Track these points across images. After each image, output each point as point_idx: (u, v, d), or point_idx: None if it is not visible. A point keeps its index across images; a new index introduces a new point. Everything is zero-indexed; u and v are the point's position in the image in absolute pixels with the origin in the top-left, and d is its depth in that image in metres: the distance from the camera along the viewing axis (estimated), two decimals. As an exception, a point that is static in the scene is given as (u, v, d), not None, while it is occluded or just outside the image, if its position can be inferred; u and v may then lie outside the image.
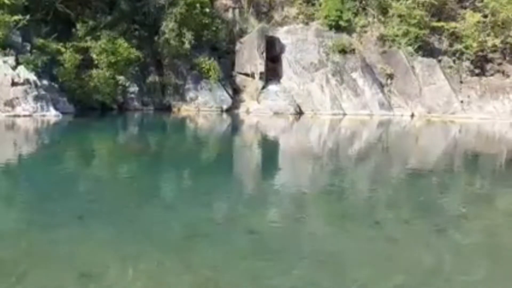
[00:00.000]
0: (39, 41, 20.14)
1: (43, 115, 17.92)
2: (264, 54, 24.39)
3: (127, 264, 4.87)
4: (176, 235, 5.86)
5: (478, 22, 25.01)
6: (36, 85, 18.31)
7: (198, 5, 22.97)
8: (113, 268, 4.77)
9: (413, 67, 25.06)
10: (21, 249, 5.14)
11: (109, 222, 6.20)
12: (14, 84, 17.91)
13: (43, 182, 8.49)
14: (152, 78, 23.19)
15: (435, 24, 25.51)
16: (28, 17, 19.45)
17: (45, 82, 19.11)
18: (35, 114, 17.80)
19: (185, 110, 23.09)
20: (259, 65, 24.32)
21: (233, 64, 24.95)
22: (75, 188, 8.34)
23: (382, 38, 25.66)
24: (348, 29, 25.72)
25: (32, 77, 18.38)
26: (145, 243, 5.46)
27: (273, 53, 25.19)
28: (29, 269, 4.63)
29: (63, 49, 20.24)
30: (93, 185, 8.58)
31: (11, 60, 18.58)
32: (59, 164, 10.59)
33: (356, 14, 26.05)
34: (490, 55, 25.97)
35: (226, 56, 25.10)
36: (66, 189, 8.08)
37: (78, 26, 21.61)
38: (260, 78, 24.39)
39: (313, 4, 26.56)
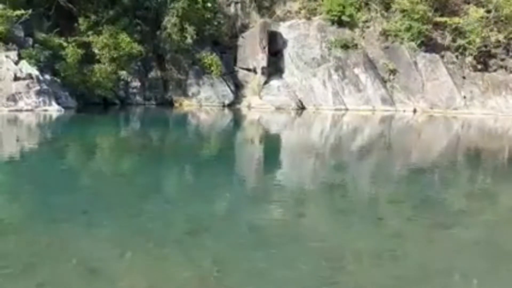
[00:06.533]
0: (41, 35, 20.13)
1: (45, 110, 17.92)
2: (266, 49, 24.32)
3: (131, 258, 4.89)
4: (179, 230, 5.88)
5: (482, 17, 24.86)
6: (38, 80, 18.30)
7: (200, -1, 22.93)
8: (117, 262, 4.79)
9: (415, 63, 24.97)
10: (26, 244, 5.16)
11: (113, 217, 6.22)
12: (16, 78, 17.90)
13: (46, 177, 8.51)
14: (154, 73, 23.18)
15: (438, 19, 25.36)
16: (30, 11, 19.41)
17: (47, 76, 19.10)
18: (37, 109, 17.81)
19: (187, 105, 23.08)
20: (261, 60, 24.27)
21: (235, 59, 24.89)
22: (78, 182, 8.36)
23: (384, 33, 25.55)
24: (351, 24, 25.60)
25: (34, 71, 18.37)
26: (148, 238, 5.48)
27: (275, 48, 25.12)
28: (33, 263, 4.65)
29: (65, 44, 20.22)
30: (96, 180, 8.60)
31: (13, 54, 18.56)
32: (62, 158, 10.61)
33: (358, 9, 25.91)
34: (493, 51, 25.84)
35: (228, 51, 25.04)
36: (70, 183, 8.10)
37: (80, 20, 21.59)
38: (262, 73, 24.34)
39: (316, -1, 26.47)
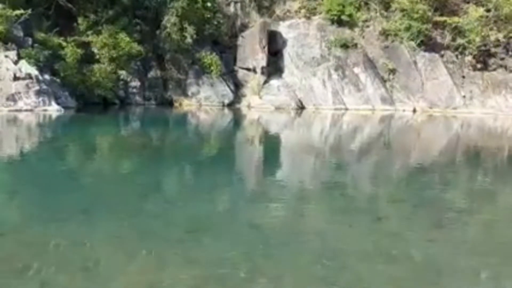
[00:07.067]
0: (41, 35, 20.12)
1: (45, 110, 17.91)
2: (266, 49, 24.33)
3: (130, 258, 4.89)
4: (179, 229, 5.87)
5: (481, 16, 24.86)
6: (37, 80, 18.30)
7: (199, -1, 22.93)
8: (116, 262, 4.78)
9: (415, 62, 24.97)
10: (25, 243, 5.15)
11: (113, 216, 6.22)
12: (16, 78, 17.89)
13: (46, 177, 8.51)
14: (154, 72, 23.17)
15: (437, 18, 25.36)
16: (29, 11, 19.41)
17: (46, 76, 19.10)
18: (37, 109, 17.80)
19: (187, 104, 23.07)
20: (261, 60, 24.27)
21: (234, 59, 24.88)
22: (78, 182, 8.36)
23: (384, 33, 25.54)
24: (350, 24, 25.60)
25: (34, 71, 18.36)
26: (148, 237, 5.47)
27: (275, 48, 25.12)
28: (32, 263, 4.64)
29: (64, 44, 20.22)
30: (96, 180, 8.60)
31: (12, 54, 18.55)
32: (62, 158, 10.60)
33: (358, 9, 25.91)
34: (493, 50, 25.84)
35: (227, 51, 25.03)
36: (70, 183, 8.09)
37: (80, 20, 21.60)
38: (262, 72, 24.34)
39: (315, -2, 26.47)
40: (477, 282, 4.83)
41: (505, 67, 25.79)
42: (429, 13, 25.10)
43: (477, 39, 24.72)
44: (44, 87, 18.45)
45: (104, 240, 5.32)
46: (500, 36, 25.16)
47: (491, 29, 25.26)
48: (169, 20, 22.62)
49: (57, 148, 12.06)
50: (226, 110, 22.94)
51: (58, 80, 19.69)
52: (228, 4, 26.21)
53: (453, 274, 4.92)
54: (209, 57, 23.35)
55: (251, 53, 24.41)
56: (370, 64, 24.76)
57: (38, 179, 8.35)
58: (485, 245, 5.80)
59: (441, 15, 25.56)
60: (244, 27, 25.66)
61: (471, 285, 4.79)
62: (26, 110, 17.51)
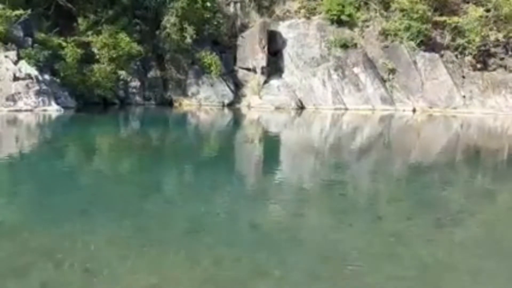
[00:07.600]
0: (41, 35, 20.12)
1: (45, 110, 17.91)
2: (266, 49, 24.32)
3: (130, 258, 4.88)
4: (179, 230, 5.88)
5: (481, 16, 24.86)
6: (37, 80, 18.29)
7: (199, -1, 22.93)
8: (116, 262, 4.78)
9: (415, 62, 24.96)
10: (24, 244, 5.15)
11: (112, 216, 6.22)
12: (15, 78, 17.89)
13: (45, 177, 8.51)
14: (154, 72, 23.17)
15: (437, 18, 25.36)
16: (29, 11, 19.41)
17: (46, 76, 19.09)
18: (37, 109, 17.80)
19: (186, 104, 23.07)
20: (261, 60, 24.26)
21: (234, 59, 24.88)
22: (77, 182, 8.36)
23: (384, 33, 25.54)
24: (350, 24, 25.60)
25: (34, 71, 18.35)
26: (148, 238, 5.47)
27: (274, 48, 25.12)
28: (32, 264, 4.64)
29: (64, 44, 20.21)
30: (95, 180, 8.60)
31: (12, 54, 18.54)
32: (61, 158, 10.61)
33: (358, 9, 25.91)
34: (493, 50, 25.85)
35: (227, 51, 25.03)
36: (69, 183, 8.10)
37: (80, 20, 21.60)
38: (262, 72, 24.34)
39: (315, -2, 26.47)
40: (477, 282, 4.83)
41: (505, 67, 25.79)
42: (429, 13, 25.09)
43: (477, 39, 24.72)
44: (44, 87, 18.44)
45: (104, 240, 5.32)
46: (500, 36, 25.15)
47: (491, 29, 25.26)
48: (169, 20, 22.61)
49: (57, 148, 12.06)
50: (226, 110, 22.94)
51: (58, 80, 19.67)
52: (228, 4, 26.21)
53: (453, 273, 4.92)
54: (209, 57, 23.34)
55: (251, 53, 24.40)
56: (370, 64, 24.75)
57: (38, 179, 8.35)
58: (485, 245, 5.80)
59: (441, 15, 25.55)
60: (244, 27, 25.65)
61: (470, 285, 4.79)
62: (26, 110, 17.50)
